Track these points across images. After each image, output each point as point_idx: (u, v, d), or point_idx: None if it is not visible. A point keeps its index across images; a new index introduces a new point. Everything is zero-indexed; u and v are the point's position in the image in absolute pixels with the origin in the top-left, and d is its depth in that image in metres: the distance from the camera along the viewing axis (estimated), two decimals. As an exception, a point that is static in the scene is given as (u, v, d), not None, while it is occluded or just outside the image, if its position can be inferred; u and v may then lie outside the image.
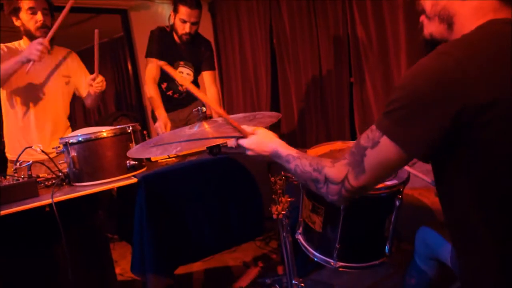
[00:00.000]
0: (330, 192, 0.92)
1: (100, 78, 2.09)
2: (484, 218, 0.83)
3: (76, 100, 2.44)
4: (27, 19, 2.00)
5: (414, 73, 0.79)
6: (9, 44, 2.05)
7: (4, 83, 1.96)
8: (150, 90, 2.40)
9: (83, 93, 2.27)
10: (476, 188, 0.82)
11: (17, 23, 2.02)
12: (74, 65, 2.26)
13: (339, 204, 1.01)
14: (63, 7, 1.91)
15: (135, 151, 1.37)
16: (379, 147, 0.82)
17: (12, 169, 1.62)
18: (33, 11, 1.99)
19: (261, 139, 1.14)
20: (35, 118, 2.10)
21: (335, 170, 0.91)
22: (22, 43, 2.07)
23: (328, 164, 0.93)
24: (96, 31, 1.91)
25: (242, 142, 1.17)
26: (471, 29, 0.82)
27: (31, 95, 2.08)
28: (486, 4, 0.83)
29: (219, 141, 1.26)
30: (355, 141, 0.95)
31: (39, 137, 2.11)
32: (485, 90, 0.74)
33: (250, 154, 1.17)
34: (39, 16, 2.00)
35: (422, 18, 0.95)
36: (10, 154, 2.15)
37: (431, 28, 0.93)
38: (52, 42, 2.03)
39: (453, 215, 0.92)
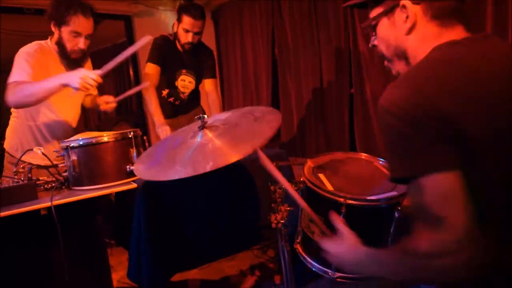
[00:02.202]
0: (440, 271, 0.76)
1: (113, 103, 2.10)
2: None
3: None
4: (67, 38, 1.88)
5: (381, 114, 0.82)
6: (42, 43, 1.92)
7: (42, 101, 1.78)
8: (150, 96, 2.38)
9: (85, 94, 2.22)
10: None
11: (53, 29, 1.90)
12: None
13: (472, 265, 0.76)
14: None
15: (151, 172, 1.29)
16: (425, 186, 0.76)
17: (13, 171, 1.62)
18: (78, 35, 1.88)
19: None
20: (47, 128, 2.04)
21: (419, 240, 0.78)
22: (51, 46, 1.95)
23: (408, 243, 0.80)
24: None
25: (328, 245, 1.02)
26: (422, 57, 0.87)
27: (48, 104, 1.99)
28: (428, 33, 0.89)
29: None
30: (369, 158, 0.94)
31: (48, 139, 2.04)
32: (448, 104, 0.76)
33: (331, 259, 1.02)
34: (81, 43, 1.90)
35: (385, 63, 1.02)
36: (9, 149, 2.05)
37: (395, 67, 0.99)
38: (90, 44, 1.99)
39: None
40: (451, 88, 0.78)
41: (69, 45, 1.90)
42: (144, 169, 1.31)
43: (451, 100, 0.76)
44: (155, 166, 1.32)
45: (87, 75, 1.66)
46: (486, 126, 0.77)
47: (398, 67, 0.98)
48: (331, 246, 1.02)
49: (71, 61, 1.93)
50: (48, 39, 1.96)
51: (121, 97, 2.06)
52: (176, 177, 1.22)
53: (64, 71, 1.93)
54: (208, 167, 1.16)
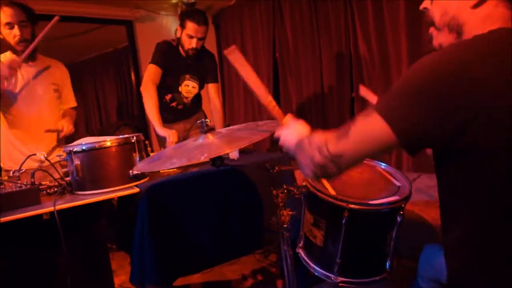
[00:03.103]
0: (305, 157, 0.91)
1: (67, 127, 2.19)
2: (488, 236, 0.81)
3: (77, 110, 2.45)
4: (6, 34, 2.04)
5: (421, 64, 0.79)
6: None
7: None
8: (149, 93, 2.35)
9: (65, 107, 2.36)
10: (478, 202, 0.80)
11: (0, 36, 2.07)
12: (63, 77, 2.32)
13: (308, 176, 0.97)
14: (51, 15, 1.98)
15: (149, 166, 1.38)
16: (369, 119, 0.82)
17: (7, 177, 1.62)
18: (10, 26, 2.02)
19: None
20: (24, 127, 2.15)
21: (321, 134, 0.91)
22: (7, 55, 2.11)
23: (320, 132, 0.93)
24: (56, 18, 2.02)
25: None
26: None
27: (21, 104, 2.12)
28: (496, 14, 0.83)
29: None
30: None
31: (28, 145, 2.14)
32: (487, 93, 0.73)
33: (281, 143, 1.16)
34: (16, 31, 2.02)
35: (432, 30, 0.95)
36: (3, 164, 2.17)
37: (440, 38, 0.93)
38: (35, 52, 2.14)
39: (453, 232, 0.89)
40: (500, 85, 0.73)
41: (10, 39, 2.04)
42: (143, 165, 1.42)
43: (491, 91, 0.73)
44: (153, 162, 1.39)
45: (4, 64, 1.91)
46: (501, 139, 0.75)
47: (444, 39, 0.92)
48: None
49: (18, 53, 2.07)
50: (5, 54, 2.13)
51: None
52: (171, 166, 1.34)
53: (22, 74, 2.11)
54: (203, 157, 1.21)
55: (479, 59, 0.74)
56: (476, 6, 0.85)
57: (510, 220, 0.78)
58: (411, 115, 0.77)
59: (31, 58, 2.14)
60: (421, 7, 0.97)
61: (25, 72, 2.13)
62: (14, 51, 2.07)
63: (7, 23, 2.01)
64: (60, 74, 2.30)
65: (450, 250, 0.91)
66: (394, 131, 0.78)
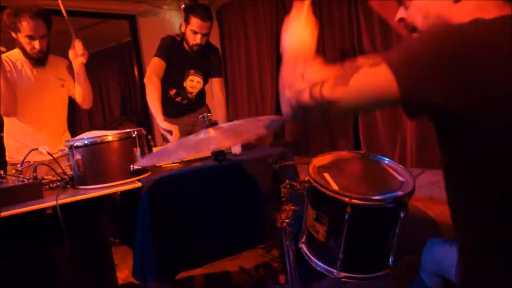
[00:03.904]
0: (291, 91, 0.80)
1: (80, 45, 2.13)
2: (490, 222, 0.79)
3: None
4: (25, 42, 2.05)
5: (441, 32, 0.74)
6: (4, 56, 2.08)
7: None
8: (152, 86, 2.33)
9: (77, 96, 2.35)
10: (482, 189, 0.77)
11: (14, 36, 2.07)
12: (67, 71, 2.32)
13: (288, 116, 0.84)
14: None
15: (153, 159, 1.37)
16: (375, 69, 0.73)
17: (13, 170, 1.64)
18: (31, 38, 2.03)
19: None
20: (33, 122, 2.18)
21: (316, 69, 0.80)
22: (16, 51, 2.13)
23: (313, 61, 0.81)
24: (65, 13, 2.00)
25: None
26: None
27: (30, 99, 2.15)
28: (487, 3, 0.78)
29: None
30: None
31: (37, 140, 2.17)
32: (502, 80, 0.69)
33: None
34: (37, 44, 2.05)
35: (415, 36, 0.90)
36: (10, 158, 2.20)
37: None
38: (48, 51, 2.15)
39: (459, 219, 0.87)
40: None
41: (27, 48, 2.06)
42: (146, 160, 1.42)
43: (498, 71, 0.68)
44: (157, 156, 1.39)
45: None
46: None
47: None
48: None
49: (35, 60, 2.12)
50: (15, 50, 2.14)
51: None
52: (179, 158, 1.37)
53: (28, 72, 2.13)
54: (211, 148, 1.27)
55: (500, 43, 0.70)
56: (457, 0, 0.80)
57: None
58: (422, 75, 0.71)
59: (41, 63, 2.16)
60: (396, 18, 0.93)
61: (36, 73, 2.16)
62: (25, 52, 2.09)
63: (29, 36, 2.02)
64: (65, 68, 2.31)
65: (462, 240, 0.89)
66: (400, 86, 0.71)
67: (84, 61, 2.17)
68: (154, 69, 2.39)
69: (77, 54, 2.13)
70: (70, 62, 2.30)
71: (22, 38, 2.04)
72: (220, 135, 1.31)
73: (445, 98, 0.70)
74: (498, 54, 0.69)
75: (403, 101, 0.72)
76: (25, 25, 1.98)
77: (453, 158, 0.82)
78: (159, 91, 2.34)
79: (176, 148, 1.35)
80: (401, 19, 0.91)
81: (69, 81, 2.32)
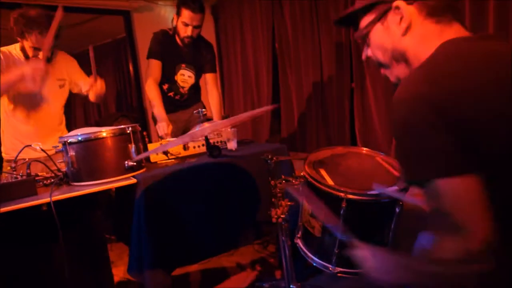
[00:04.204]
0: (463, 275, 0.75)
1: (99, 82, 2.12)
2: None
3: (76, 101, 2.45)
4: (29, 50, 2.02)
5: (397, 110, 0.77)
6: (4, 49, 2.05)
7: (4, 94, 2.01)
8: (152, 90, 2.40)
9: (84, 91, 2.30)
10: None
11: (18, 39, 2.03)
12: (70, 69, 2.29)
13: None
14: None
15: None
16: (442, 190, 0.73)
17: (9, 167, 1.62)
18: (37, 49, 2.00)
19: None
20: (29, 120, 2.16)
21: (441, 248, 0.77)
22: (17, 48, 2.08)
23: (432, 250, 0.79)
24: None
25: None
26: (426, 56, 0.83)
27: (27, 99, 2.12)
28: (427, 31, 0.86)
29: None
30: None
31: (32, 137, 2.14)
32: (469, 105, 0.72)
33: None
34: (41, 55, 1.99)
35: (383, 71, 0.98)
36: (6, 154, 2.19)
37: (394, 72, 0.95)
38: (54, 50, 2.11)
39: None
40: (471, 86, 0.74)
41: (30, 55, 2.03)
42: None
43: (472, 100, 0.72)
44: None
45: (30, 71, 1.80)
46: (506, 130, 0.73)
47: (398, 71, 0.95)
48: (366, 252, 0.93)
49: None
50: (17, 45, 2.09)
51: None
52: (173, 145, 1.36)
53: None
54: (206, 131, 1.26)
55: (452, 77, 0.75)
56: (405, 33, 0.88)
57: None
58: (448, 149, 0.71)
59: (47, 61, 2.09)
60: (364, 57, 1.01)
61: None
62: (26, 56, 2.05)
63: (35, 48, 1.99)
64: (66, 67, 2.28)
65: None
66: (463, 172, 0.71)
67: (102, 93, 2.17)
68: (152, 74, 2.42)
69: (95, 90, 2.12)
70: (73, 58, 2.31)
71: (27, 46, 2.01)
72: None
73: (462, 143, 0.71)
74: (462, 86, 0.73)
75: (468, 172, 0.71)
76: (33, 39, 1.95)
77: None
78: (160, 97, 2.40)
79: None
80: (368, 57, 1.00)
81: (70, 80, 2.30)
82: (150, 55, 2.45)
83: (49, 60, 2.11)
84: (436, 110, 0.71)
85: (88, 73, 2.31)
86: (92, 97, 2.27)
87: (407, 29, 0.88)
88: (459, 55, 0.79)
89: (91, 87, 2.11)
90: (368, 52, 0.99)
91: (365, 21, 0.96)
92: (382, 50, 0.94)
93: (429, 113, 0.72)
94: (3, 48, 2.04)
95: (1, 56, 2.00)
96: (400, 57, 0.91)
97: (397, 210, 1.32)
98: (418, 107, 0.73)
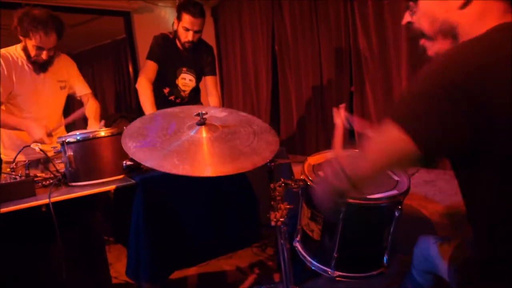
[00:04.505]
0: (326, 184, 0.86)
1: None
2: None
3: (75, 101, 2.45)
4: (31, 50, 2.00)
5: (434, 68, 0.76)
6: (4, 52, 2.04)
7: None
8: (144, 89, 2.35)
9: (78, 95, 2.36)
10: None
11: (20, 38, 2.01)
12: (70, 72, 2.30)
13: (328, 209, 0.91)
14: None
15: (145, 154, 1.27)
16: (385, 132, 0.77)
17: (8, 169, 1.62)
18: (39, 49, 1.99)
19: None
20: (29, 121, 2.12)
21: (342, 158, 0.86)
22: (18, 49, 2.07)
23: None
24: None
25: None
26: (480, 33, 0.77)
27: (27, 100, 2.12)
28: (489, 9, 0.79)
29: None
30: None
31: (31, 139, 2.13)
32: (503, 94, 0.70)
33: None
34: (44, 55, 2.01)
35: (423, 41, 0.92)
36: (5, 156, 2.18)
37: (436, 47, 0.90)
38: (56, 50, 2.11)
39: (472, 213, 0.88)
40: (505, 84, 0.70)
41: (32, 54, 2.02)
42: (136, 148, 1.29)
43: (501, 94, 0.69)
44: (149, 149, 1.29)
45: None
46: None
47: (440, 46, 0.88)
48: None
49: (38, 66, 2.08)
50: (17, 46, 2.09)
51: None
52: (173, 171, 1.22)
53: (28, 74, 2.09)
54: (207, 172, 1.21)
55: (485, 61, 0.72)
56: (463, 6, 0.81)
57: None
58: (429, 121, 0.73)
59: (44, 69, 2.12)
60: (403, 22, 0.95)
61: (36, 76, 2.12)
62: (28, 56, 2.03)
63: (38, 47, 1.98)
64: (66, 68, 2.28)
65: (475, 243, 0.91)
66: (415, 140, 0.72)
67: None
68: (146, 73, 2.40)
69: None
70: (73, 61, 2.32)
71: (30, 45, 1.99)
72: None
73: (462, 133, 0.71)
74: (482, 79, 0.70)
75: (423, 153, 0.73)
76: (37, 37, 1.93)
77: (470, 172, 0.82)
78: (151, 95, 2.35)
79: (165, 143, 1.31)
80: (409, 23, 0.93)
81: (70, 81, 2.30)
82: (148, 56, 2.45)
83: (50, 62, 2.11)
84: (452, 89, 0.70)
85: (85, 75, 2.33)
86: (85, 109, 2.28)
87: (466, 3, 0.81)
88: (505, 44, 0.73)
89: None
90: (408, 17, 0.92)
91: None
92: (430, 19, 0.87)
93: (444, 88, 0.71)
94: (3, 51, 2.03)
95: (1, 61, 1.99)
96: (449, 32, 0.85)
97: (396, 214, 1.32)
98: (439, 84, 0.72)
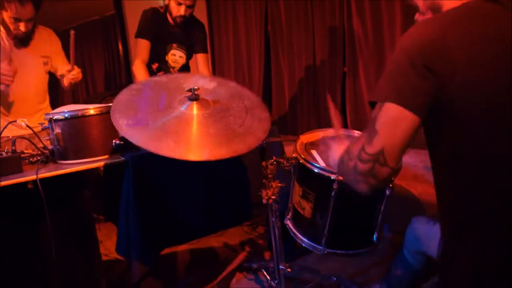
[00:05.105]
0: (348, 170, 0.89)
1: (76, 70, 2.08)
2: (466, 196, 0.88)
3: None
4: (9, 22, 1.94)
5: (403, 38, 0.86)
6: None
7: None
8: (140, 73, 2.35)
9: (59, 74, 2.27)
10: (452, 159, 0.88)
11: None
12: (53, 47, 2.23)
13: (366, 190, 0.89)
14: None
15: (138, 135, 1.23)
16: (384, 109, 0.84)
17: None
18: (17, 20, 1.92)
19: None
20: (13, 96, 2.09)
21: (353, 143, 0.90)
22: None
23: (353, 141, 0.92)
24: (72, 32, 1.88)
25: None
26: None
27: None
28: None
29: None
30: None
31: (15, 115, 2.08)
32: (463, 60, 0.80)
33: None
34: (22, 27, 1.95)
35: (417, 15, 1.04)
36: None
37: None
38: (34, 27, 2.04)
39: (442, 194, 0.96)
40: (470, 47, 0.80)
41: (12, 27, 1.96)
42: (128, 126, 1.25)
43: (462, 64, 0.79)
44: (142, 128, 1.25)
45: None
46: (484, 101, 0.81)
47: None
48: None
49: (18, 41, 2.02)
50: None
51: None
52: (169, 154, 1.19)
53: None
54: (205, 155, 1.18)
55: (450, 26, 0.83)
56: None
57: (494, 176, 0.84)
58: (409, 86, 0.82)
59: (25, 44, 2.05)
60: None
61: (18, 52, 2.05)
62: (8, 30, 1.97)
63: (15, 18, 1.91)
64: (50, 43, 2.21)
65: (443, 213, 0.97)
66: (408, 108, 0.81)
67: (77, 80, 2.13)
68: (141, 55, 2.37)
69: (71, 77, 2.08)
70: (58, 38, 2.24)
71: (6, 17, 1.93)
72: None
73: (430, 92, 0.81)
74: (446, 42, 0.81)
75: (412, 111, 0.82)
76: (13, 8, 1.87)
77: (440, 142, 0.91)
78: (147, 76, 2.33)
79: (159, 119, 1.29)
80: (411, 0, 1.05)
81: (54, 57, 2.23)
82: (139, 34, 2.39)
83: (31, 36, 2.05)
84: (425, 58, 0.80)
85: (68, 52, 2.26)
86: (65, 83, 2.21)
87: None
88: (470, 15, 0.85)
89: (67, 73, 2.06)
90: None
91: None
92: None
93: (418, 58, 0.81)
94: None
95: None
96: (437, 9, 0.96)
97: (387, 192, 1.33)
98: (412, 50, 0.82)
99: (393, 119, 0.83)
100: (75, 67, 2.06)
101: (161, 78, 1.51)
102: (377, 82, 0.88)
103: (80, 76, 2.12)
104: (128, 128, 1.24)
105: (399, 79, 0.83)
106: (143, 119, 1.28)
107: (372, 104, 0.88)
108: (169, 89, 1.43)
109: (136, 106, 1.34)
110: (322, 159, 1.38)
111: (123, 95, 1.40)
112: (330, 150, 1.09)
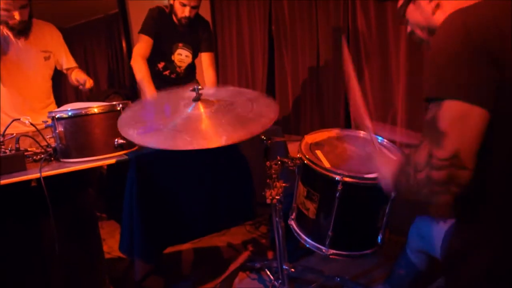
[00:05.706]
0: (420, 183, 0.81)
1: (89, 82, 2.11)
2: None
3: (67, 76, 2.39)
4: (3, 12, 1.92)
5: (441, 33, 0.84)
6: None
7: None
8: (140, 66, 2.31)
9: (65, 68, 2.29)
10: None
11: None
12: (54, 41, 2.23)
13: (447, 201, 0.82)
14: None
15: (154, 139, 1.23)
16: (446, 107, 0.79)
17: None
18: (8, 10, 1.91)
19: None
20: (17, 93, 2.09)
21: (415, 154, 0.84)
22: None
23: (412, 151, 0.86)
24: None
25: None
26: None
27: (14, 70, 2.06)
28: (459, 5, 0.89)
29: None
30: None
31: (20, 112, 2.07)
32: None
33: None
34: (16, 15, 1.93)
35: (424, 45, 1.10)
36: None
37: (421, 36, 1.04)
38: (31, 17, 2.03)
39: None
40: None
41: (6, 18, 1.94)
42: (140, 134, 1.25)
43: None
44: (156, 132, 1.26)
45: None
46: None
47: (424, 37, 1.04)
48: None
49: (16, 31, 2.01)
50: None
51: None
52: (188, 147, 1.20)
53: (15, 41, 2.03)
54: (223, 140, 1.16)
55: (497, 15, 0.82)
56: (433, 13, 0.97)
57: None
58: (472, 79, 0.78)
59: (24, 34, 2.04)
60: (408, 32, 1.10)
61: (19, 44, 2.05)
62: (6, 22, 1.96)
63: (5, 9, 1.89)
64: (51, 38, 2.21)
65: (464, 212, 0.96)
66: (473, 102, 0.77)
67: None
68: (140, 50, 2.35)
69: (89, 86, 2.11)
70: (59, 31, 2.24)
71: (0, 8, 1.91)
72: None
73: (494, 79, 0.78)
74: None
75: (480, 104, 0.77)
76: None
77: None
78: (147, 72, 2.31)
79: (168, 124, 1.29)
80: (411, 32, 1.09)
81: (56, 52, 2.23)
82: (142, 30, 2.38)
83: (28, 26, 2.04)
84: (482, 38, 0.78)
85: (72, 50, 2.26)
86: (71, 80, 2.21)
87: (436, 7, 0.95)
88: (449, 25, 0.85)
89: (84, 88, 2.10)
90: (408, 28, 1.08)
91: (400, 1, 1.05)
92: (419, 28, 1.04)
93: (473, 41, 0.78)
94: None
95: None
96: (434, 31, 0.95)
97: (392, 193, 1.32)
98: (466, 40, 0.79)
99: (460, 117, 0.77)
100: (88, 78, 2.10)
101: (160, 94, 1.53)
102: (425, 78, 0.82)
103: (91, 85, 2.14)
104: (140, 136, 1.25)
105: (458, 71, 0.78)
106: (154, 126, 1.28)
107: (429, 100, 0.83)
108: (171, 100, 1.45)
109: (142, 118, 1.36)
110: (327, 159, 1.37)
111: (127, 113, 1.43)
112: (373, 162, 1.07)
